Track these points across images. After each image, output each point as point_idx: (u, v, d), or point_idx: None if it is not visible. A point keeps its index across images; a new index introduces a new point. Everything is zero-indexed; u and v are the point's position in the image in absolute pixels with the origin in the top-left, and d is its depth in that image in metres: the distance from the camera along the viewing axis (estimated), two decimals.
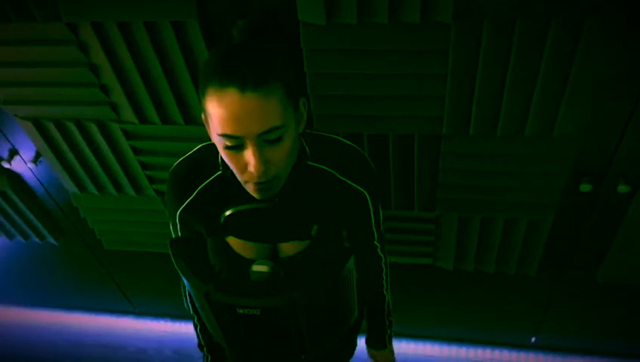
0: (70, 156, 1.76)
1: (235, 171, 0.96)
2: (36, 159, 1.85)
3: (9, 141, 1.82)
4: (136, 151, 1.70)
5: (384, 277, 1.34)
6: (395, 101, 1.40)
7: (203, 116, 0.95)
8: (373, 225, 1.21)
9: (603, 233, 1.69)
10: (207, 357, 1.42)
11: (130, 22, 1.36)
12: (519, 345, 2.34)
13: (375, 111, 1.44)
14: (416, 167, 1.57)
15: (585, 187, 1.52)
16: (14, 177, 1.98)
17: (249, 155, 0.90)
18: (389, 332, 1.43)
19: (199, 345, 1.42)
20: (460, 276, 1.97)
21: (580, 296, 1.98)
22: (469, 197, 1.62)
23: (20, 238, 2.27)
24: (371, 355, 1.49)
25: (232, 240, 1.18)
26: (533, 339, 2.29)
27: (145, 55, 1.43)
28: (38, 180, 1.98)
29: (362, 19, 1.24)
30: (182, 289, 1.31)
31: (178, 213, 1.14)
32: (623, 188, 1.50)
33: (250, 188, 0.98)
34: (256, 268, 1.03)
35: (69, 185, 1.89)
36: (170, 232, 1.21)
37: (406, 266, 1.96)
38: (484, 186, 1.58)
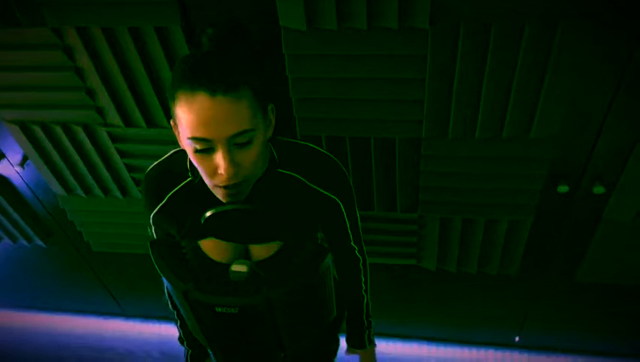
0: (57, 159, 1.77)
1: (204, 175, 0.98)
2: (23, 162, 1.86)
3: None
4: (122, 153, 1.72)
5: (362, 278, 1.37)
6: (376, 105, 1.43)
7: (172, 122, 0.98)
8: (349, 228, 1.24)
9: (581, 233, 1.73)
10: (188, 351, 1.45)
11: (115, 27, 1.38)
12: (503, 344, 2.37)
13: (356, 115, 1.46)
14: (397, 169, 1.60)
15: (562, 188, 1.56)
16: (1, 180, 1.99)
17: (219, 158, 0.92)
18: (367, 332, 1.45)
19: (180, 339, 1.45)
20: (443, 276, 2.00)
21: (560, 296, 2.02)
22: (450, 198, 1.65)
23: (7, 240, 2.27)
24: (352, 353, 1.52)
25: (204, 244, 1.20)
26: (516, 338, 2.32)
27: (130, 60, 1.45)
28: (26, 183, 1.99)
29: (342, 24, 1.27)
30: (163, 286, 1.34)
31: (151, 217, 1.18)
32: (598, 190, 1.53)
33: (218, 193, 1.00)
34: (235, 267, 1.05)
35: (57, 188, 1.90)
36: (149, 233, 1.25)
37: (390, 267, 1.98)
38: (465, 188, 1.61)
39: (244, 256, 1.20)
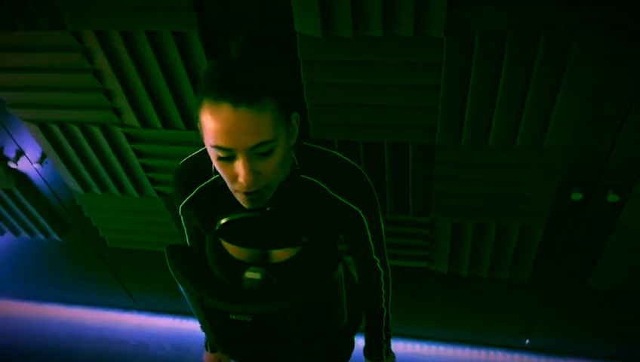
0: (74, 158, 1.80)
1: (226, 180, 1.00)
2: (42, 160, 1.89)
3: (16, 142, 1.87)
4: (138, 154, 1.74)
5: (383, 291, 1.36)
6: (390, 111, 1.43)
7: (199, 125, 0.99)
8: (371, 240, 1.23)
9: (594, 240, 1.72)
10: None
11: (133, 31, 1.39)
12: (513, 346, 2.38)
13: (370, 120, 1.47)
14: (410, 174, 1.60)
15: (576, 196, 1.55)
16: (21, 176, 2.03)
17: (239, 167, 0.94)
18: (385, 345, 1.44)
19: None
20: (454, 279, 2.00)
21: (571, 301, 2.01)
22: (463, 204, 1.66)
23: (25, 235, 2.32)
24: None
25: (225, 242, 1.22)
26: (527, 341, 2.32)
27: (147, 63, 1.46)
28: (44, 180, 2.02)
29: (357, 32, 1.27)
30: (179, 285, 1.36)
31: (181, 208, 1.22)
32: (612, 198, 1.53)
33: (239, 198, 1.02)
34: (249, 275, 1.07)
35: (74, 185, 1.93)
36: (177, 224, 1.27)
37: (402, 268, 1.99)
38: (477, 194, 1.62)
39: (264, 256, 1.22)
